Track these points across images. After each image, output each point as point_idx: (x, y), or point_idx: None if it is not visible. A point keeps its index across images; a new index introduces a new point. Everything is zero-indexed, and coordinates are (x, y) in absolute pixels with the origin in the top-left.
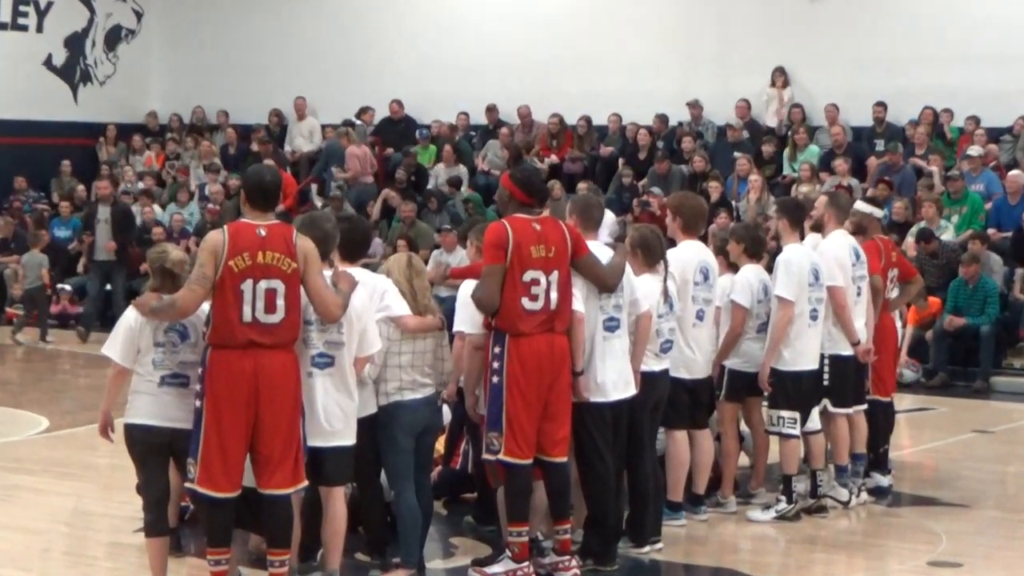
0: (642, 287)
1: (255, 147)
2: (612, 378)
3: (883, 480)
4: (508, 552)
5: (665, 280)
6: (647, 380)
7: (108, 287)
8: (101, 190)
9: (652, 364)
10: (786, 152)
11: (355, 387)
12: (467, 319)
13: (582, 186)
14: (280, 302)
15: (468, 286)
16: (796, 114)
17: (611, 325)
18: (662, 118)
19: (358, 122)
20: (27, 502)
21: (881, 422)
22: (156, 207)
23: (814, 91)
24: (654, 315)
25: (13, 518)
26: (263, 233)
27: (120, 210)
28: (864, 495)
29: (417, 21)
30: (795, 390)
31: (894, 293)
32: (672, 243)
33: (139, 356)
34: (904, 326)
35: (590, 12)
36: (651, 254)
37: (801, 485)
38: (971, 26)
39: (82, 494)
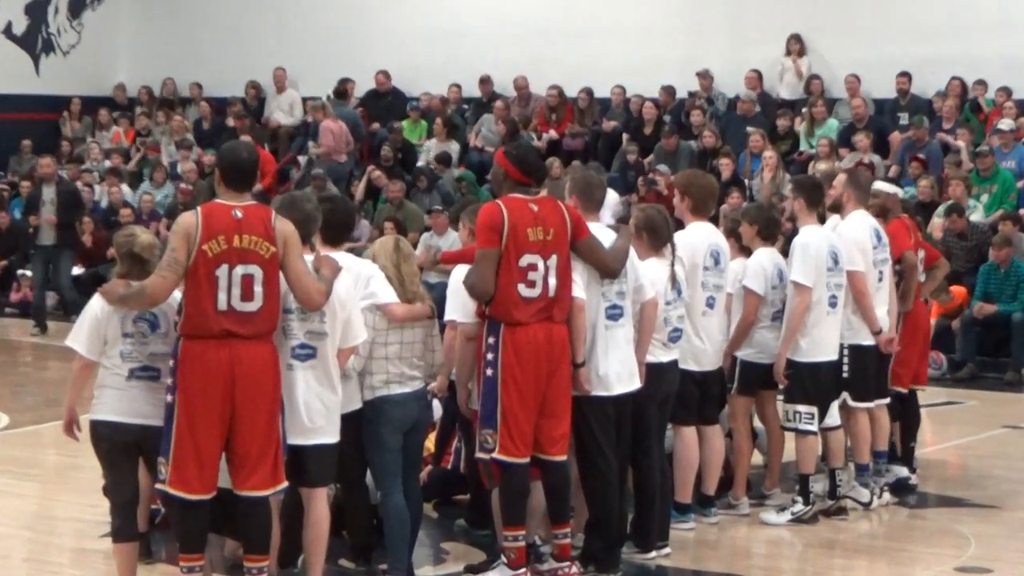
0: (648, 272)
1: (231, 122)
2: (615, 370)
3: (905, 476)
4: (503, 558)
5: (673, 264)
6: (654, 372)
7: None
8: (43, 168)
9: (660, 355)
10: (803, 126)
11: (339, 381)
12: (459, 307)
13: (578, 165)
14: (258, 289)
15: (460, 272)
16: (814, 86)
17: (614, 313)
18: (669, 90)
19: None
20: None
21: (912, 414)
22: (124, 187)
23: (833, 60)
24: (661, 302)
25: None
26: (239, 215)
27: (66, 189)
28: (887, 496)
29: None
30: (813, 383)
31: (922, 278)
32: (680, 225)
33: (106, 348)
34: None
35: None
36: (657, 236)
37: (819, 485)
38: None
39: (45, 496)
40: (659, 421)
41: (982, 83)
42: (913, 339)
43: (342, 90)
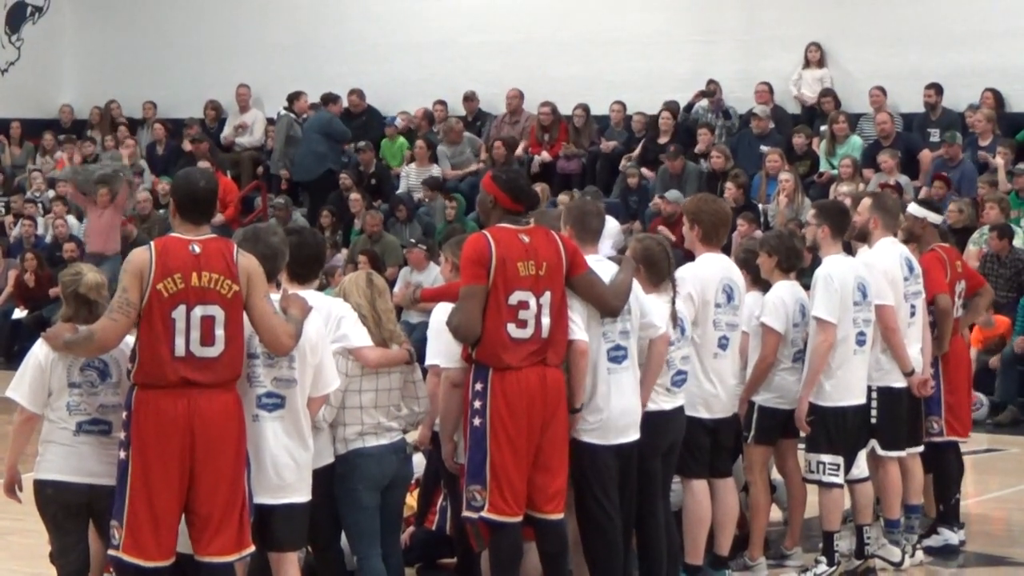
0: (655, 307)
1: (188, 146)
2: (618, 418)
3: (953, 537)
4: None
5: (673, 302)
6: (658, 421)
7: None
8: None
9: (662, 401)
10: (823, 145)
11: (310, 433)
12: (442, 350)
13: (563, 198)
14: (219, 332)
15: (443, 311)
16: (831, 101)
17: (617, 355)
18: (673, 106)
19: (286, 113)
20: None
21: (952, 467)
22: (71, 218)
23: (855, 72)
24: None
25: None
26: (197, 250)
27: None
28: (920, 555)
29: None
30: (838, 429)
31: (960, 312)
32: (690, 256)
33: (51, 399)
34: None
35: None
36: (655, 270)
37: (844, 543)
38: None
39: None
40: (665, 474)
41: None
42: (962, 381)
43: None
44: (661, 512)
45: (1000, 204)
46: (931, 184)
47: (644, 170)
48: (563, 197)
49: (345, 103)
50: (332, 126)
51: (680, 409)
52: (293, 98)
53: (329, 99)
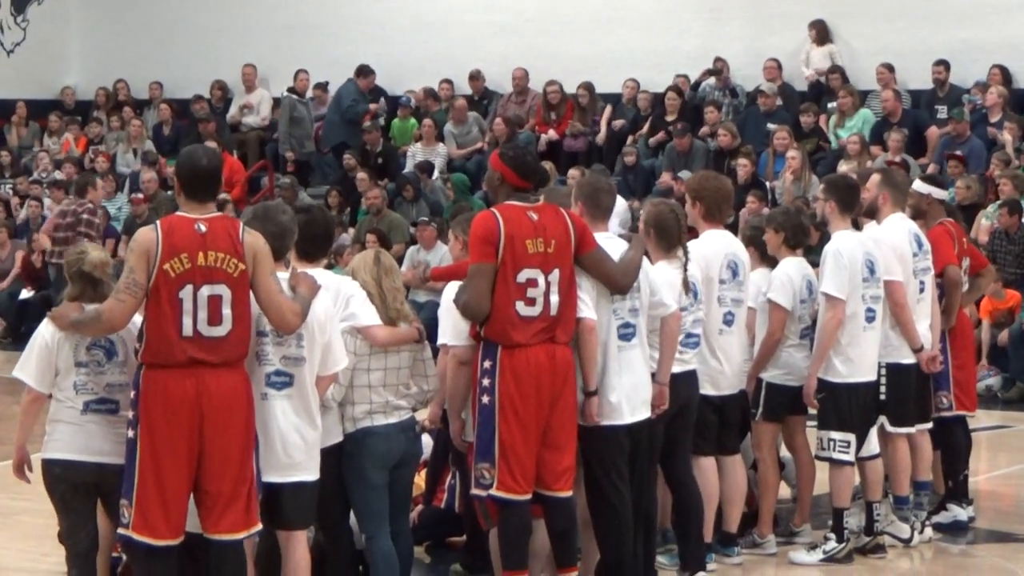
0: (664, 282)
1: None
2: (629, 396)
3: (962, 513)
4: None
5: (685, 268)
6: None
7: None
8: None
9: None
10: (832, 120)
11: (318, 411)
12: (451, 329)
13: (574, 173)
14: (226, 311)
15: (452, 290)
16: (838, 77)
17: (627, 333)
18: (679, 84)
19: (288, 94)
20: None
21: (961, 443)
22: (76, 198)
23: (861, 48)
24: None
25: None
26: (203, 229)
27: None
28: (928, 531)
29: None
30: (848, 407)
31: (965, 287)
32: (693, 232)
33: (58, 379)
34: (978, 325)
35: None
36: (666, 235)
37: (854, 520)
38: None
39: None
40: (682, 438)
41: None
42: (968, 357)
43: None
44: (650, 477)
45: (1014, 180)
46: (946, 164)
47: (651, 142)
48: (574, 172)
49: (347, 78)
50: (339, 99)
51: (689, 374)
52: (296, 78)
53: (360, 71)
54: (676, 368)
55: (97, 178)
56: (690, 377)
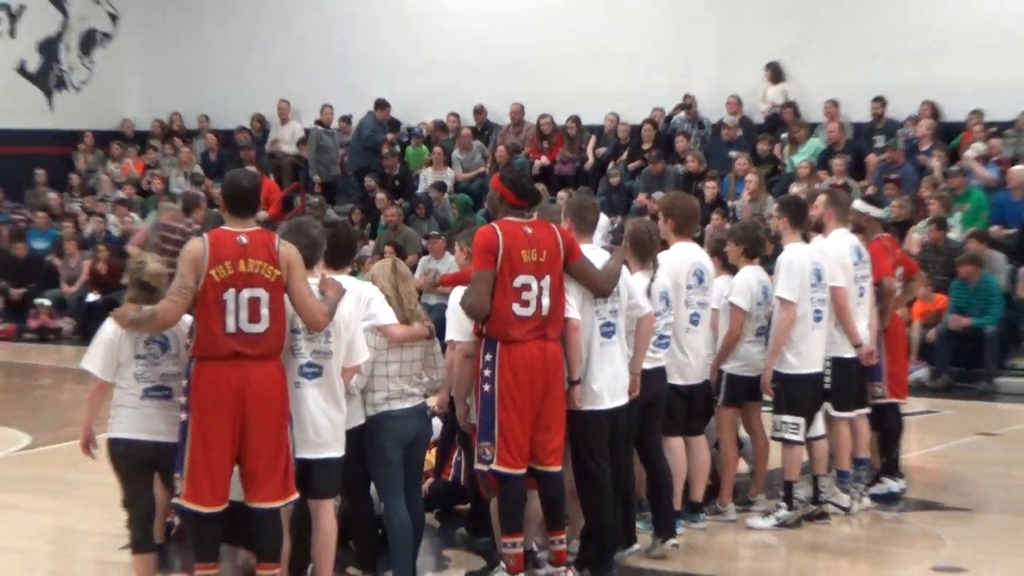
0: (640, 288)
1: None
2: (609, 385)
3: (895, 485)
4: (502, 564)
5: (652, 279)
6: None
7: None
8: None
9: (645, 362)
10: (785, 148)
11: (343, 397)
12: (457, 327)
13: (562, 195)
14: (264, 311)
15: (458, 293)
16: (791, 111)
17: (608, 331)
18: (654, 117)
19: (315, 126)
20: (10, 520)
21: (894, 425)
22: (135, 216)
23: (811, 86)
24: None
25: None
26: (244, 240)
27: None
28: (867, 500)
29: (401, 17)
30: (799, 394)
31: (898, 292)
32: (665, 245)
33: (120, 369)
34: (909, 324)
35: (580, 11)
36: (639, 249)
37: (802, 491)
38: (973, 15)
39: (66, 511)
40: (654, 424)
41: (951, 106)
42: (901, 352)
43: (325, 120)
44: (626, 455)
45: (941, 200)
46: (883, 186)
47: (629, 167)
48: (562, 194)
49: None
50: (362, 130)
51: (659, 370)
52: (322, 111)
53: (378, 105)
54: (649, 364)
55: (202, 199)
56: (661, 372)
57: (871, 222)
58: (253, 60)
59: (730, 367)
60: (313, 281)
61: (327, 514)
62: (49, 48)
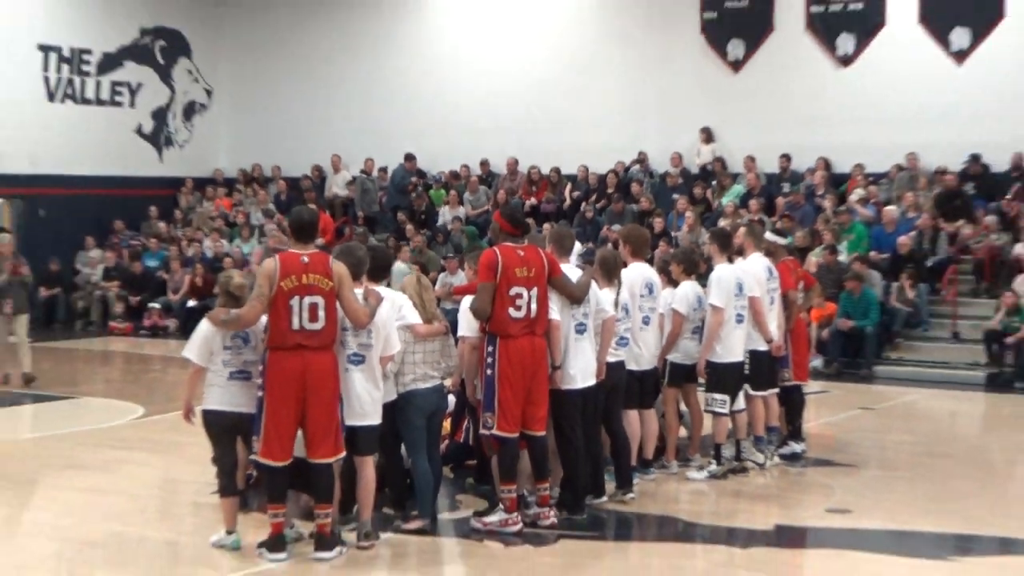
0: (606, 299)
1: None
2: (582, 369)
3: (797, 447)
4: (501, 505)
5: (617, 293)
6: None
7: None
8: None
9: (609, 357)
10: (716, 193)
11: (381, 379)
12: (467, 325)
13: (547, 227)
14: (321, 313)
15: (468, 300)
16: (719, 164)
17: (580, 329)
18: (616, 168)
19: (360, 174)
20: (128, 472)
21: (797, 401)
22: (224, 242)
23: (734, 145)
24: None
25: (117, 485)
26: (306, 260)
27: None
28: (776, 459)
29: (424, 95)
30: (726, 378)
31: (800, 301)
32: (625, 265)
33: (212, 357)
34: (809, 325)
35: (560, 88)
36: (606, 270)
37: (728, 451)
38: (857, 94)
39: (170, 465)
40: (615, 403)
41: (840, 161)
42: (802, 346)
43: (367, 169)
44: (596, 427)
45: (832, 232)
46: (781, 219)
47: (597, 206)
48: (547, 226)
49: (401, 161)
50: (395, 177)
51: (620, 363)
52: (365, 163)
53: (407, 158)
54: (612, 359)
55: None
56: (621, 365)
57: (779, 248)
58: (314, 124)
59: (673, 357)
60: (358, 291)
61: (368, 468)
62: (160, 115)
